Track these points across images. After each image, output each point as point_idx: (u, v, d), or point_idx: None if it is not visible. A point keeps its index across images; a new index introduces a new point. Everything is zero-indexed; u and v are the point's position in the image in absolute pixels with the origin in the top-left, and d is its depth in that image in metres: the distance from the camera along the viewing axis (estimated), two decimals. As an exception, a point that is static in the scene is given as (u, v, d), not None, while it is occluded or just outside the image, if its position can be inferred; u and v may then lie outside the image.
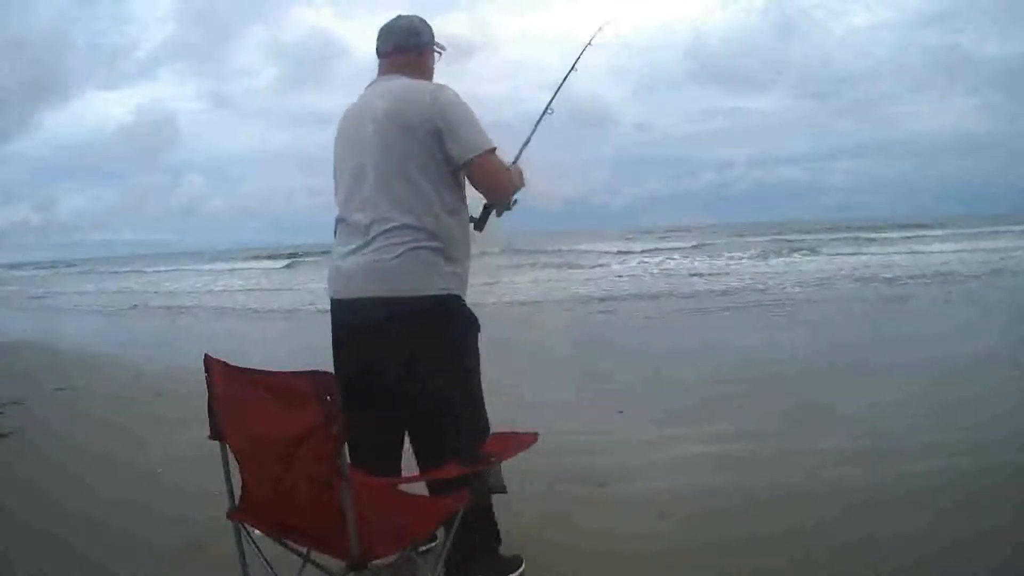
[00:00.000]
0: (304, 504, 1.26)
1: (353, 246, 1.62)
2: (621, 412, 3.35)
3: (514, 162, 1.84)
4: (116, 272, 25.99)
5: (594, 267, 15.38)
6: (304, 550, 1.43)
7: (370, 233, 1.59)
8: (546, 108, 1.98)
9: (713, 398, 3.53)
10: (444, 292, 1.59)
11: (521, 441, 1.47)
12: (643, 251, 20.62)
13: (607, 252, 19.60)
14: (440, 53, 1.81)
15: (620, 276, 13.09)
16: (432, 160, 1.60)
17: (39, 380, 4.67)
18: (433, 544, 1.70)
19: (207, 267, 24.65)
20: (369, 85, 1.76)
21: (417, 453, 1.72)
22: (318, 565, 1.41)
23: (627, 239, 26.18)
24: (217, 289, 15.36)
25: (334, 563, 1.34)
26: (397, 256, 1.56)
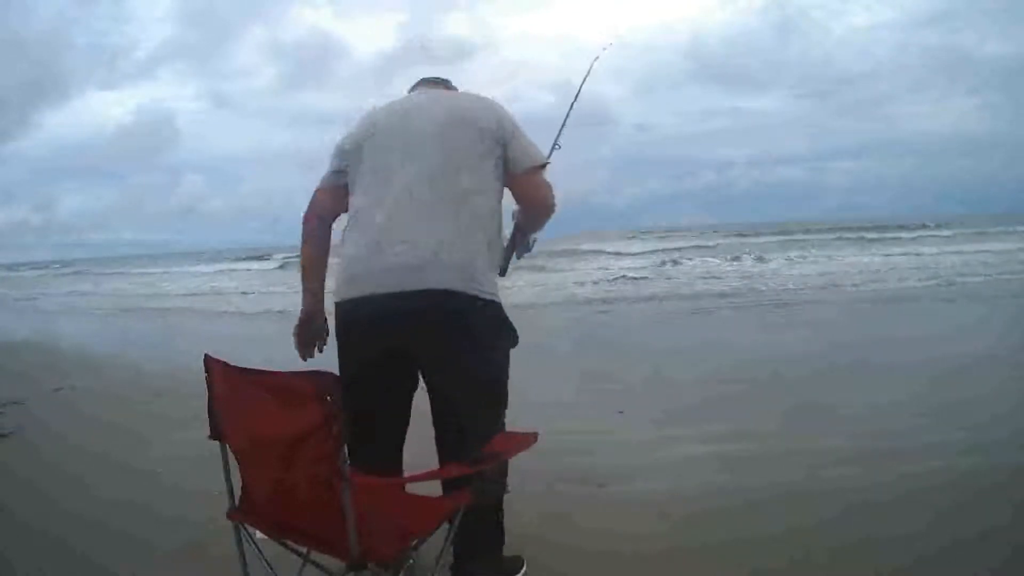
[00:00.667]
0: (304, 504, 1.26)
1: (399, 242, 1.53)
2: (621, 412, 3.35)
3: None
4: (104, 273, 25.54)
5: (594, 267, 15.37)
6: (304, 550, 1.43)
7: (422, 230, 1.53)
8: (554, 144, 1.97)
9: (713, 398, 3.53)
10: (491, 296, 1.57)
11: (521, 441, 1.47)
12: (643, 251, 20.62)
13: (607, 252, 19.59)
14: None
15: (620, 276, 13.09)
16: (492, 161, 1.60)
17: (38, 380, 4.67)
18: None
19: (197, 268, 24.23)
20: (409, 92, 1.76)
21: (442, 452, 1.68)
22: (318, 565, 1.41)
23: (627, 239, 26.15)
24: (202, 291, 15.15)
25: (334, 563, 1.34)
26: (452, 253, 1.52)
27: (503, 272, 1.73)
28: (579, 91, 2.06)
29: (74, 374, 4.87)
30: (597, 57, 2.12)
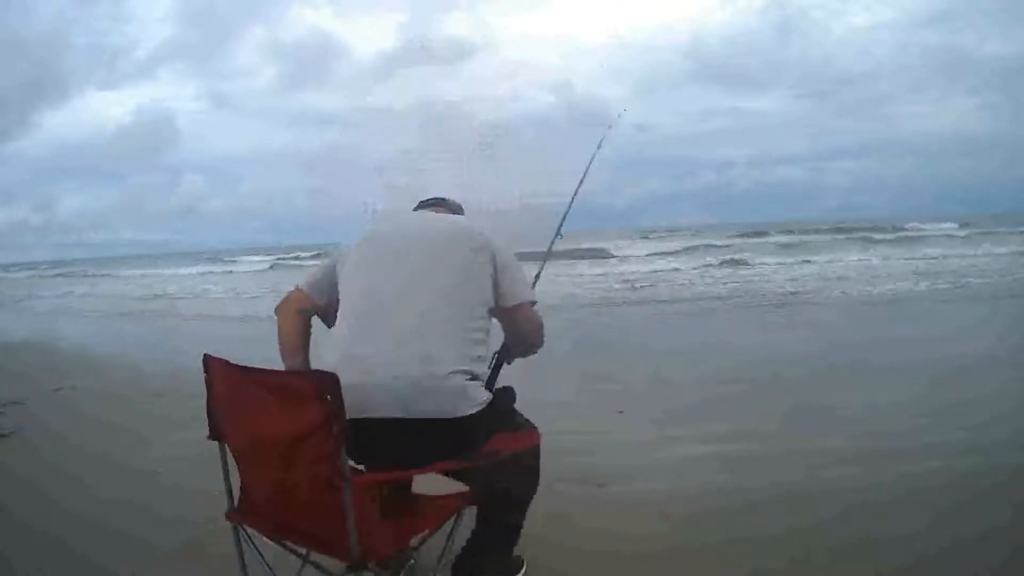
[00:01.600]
0: (304, 504, 1.26)
1: (385, 363, 1.44)
2: (621, 412, 3.35)
3: (533, 284, 1.81)
4: (91, 275, 25.46)
5: (594, 267, 15.36)
6: (303, 551, 1.43)
7: (409, 352, 1.43)
8: (557, 232, 2.09)
9: (713, 398, 3.53)
10: (480, 408, 1.48)
11: (522, 439, 1.47)
12: (643, 251, 20.63)
13: (607, 252, 19.60)
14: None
15: (620, 276, 13.09)
16: (483, 289, 1.55)
17: (38, 380, 4.67)
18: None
19: (187, 271, 24.02)
20: (415, 210, 1.79)
21: None
22: (317, 566, 1.41)
23: (627, 239, 26.16)
24: (187, 293, 14.99)
25: (333, 564, 1.34)
26: (437, 379, 1.43)
27: (489, 387, 1.61)
28: (584, 175, 2.14)
29: (74, 374, 4.88)
30: (604, 135, 2.21)
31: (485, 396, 1.50)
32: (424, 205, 1.80)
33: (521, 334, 1.67)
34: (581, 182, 2.12)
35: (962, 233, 21.71)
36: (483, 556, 1.58)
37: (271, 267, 23.06)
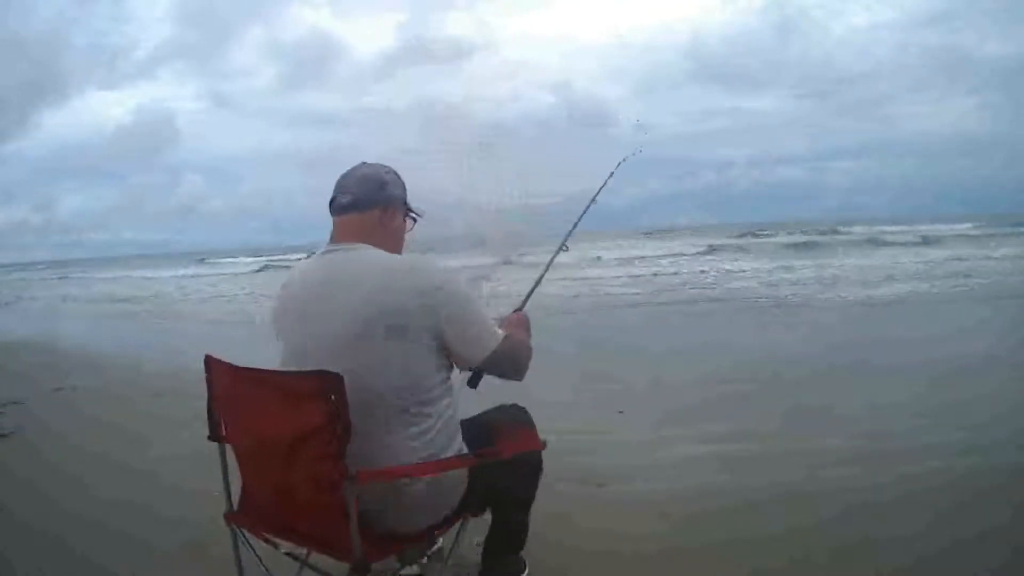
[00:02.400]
0: (306, 505, 1.26)
1: None
2: (621, 412, 3.35)
3: (521, 308, 1.73)
4: (66, 278, 25.41)
5: (594, 267, 15.35)
6: (302, 553, 1.43)
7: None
8: (561, 245, 2.00)
9: (713, 398, 3.53)
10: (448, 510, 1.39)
11: (523, 444, 1.47)
12: (643, 251, 20.62)
13: (607, 252, 19.58)
14: (415, 220, 1.50)
15: (620, 277, 13.08)
16: (428, 364, 1.30)
17: (38, 380, 4.66)
18: (438, 547, 1.69)
19: (169, 273, 23.84)
20: (323, 253, 1.38)
21: None
22: (316, 569, 1.41)
23: (627, 239, 26.17)
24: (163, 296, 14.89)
25: (331, 566, 1.34)
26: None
27: (474, 384, 1.51)
28: (602, 186, 2.07)
29: (74, 374, 4.87)
30: (624, 158, 2.14)
31: (449, 500, 1.36)
32: (335, 210, 1.40)
33: (504, 373, 1.44)
34: (593, 200, 2.04)
35: (963, 232, 21.69)
36: (491, 557, 1.59)
37: (261, 269, 22.83)
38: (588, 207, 2.05)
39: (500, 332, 1.39)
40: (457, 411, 1.39)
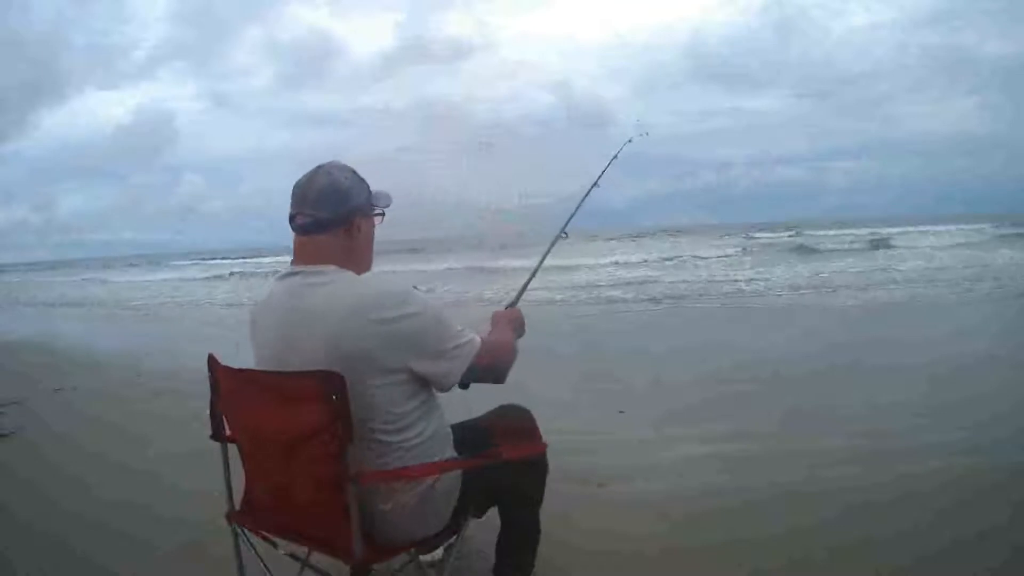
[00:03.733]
0: (307, 505, 1.26)
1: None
2: (621, 412, 3.35)
3: (515, 303, 1.69)
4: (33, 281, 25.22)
5: (594, 267, 15.35)
6: (303, 553, 1.43)
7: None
8: (561, 231, 1.97)
9: (713, 398, 3.53)
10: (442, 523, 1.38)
11: (524, 449, 1.47)
12: (643, 251, 20.62)
13: (607, 252, 19.58)
14: (383, 215, 1.40)
15: (620, 277, 13.08)
16: (396, 395, 1.25)
17: (38, 380, 4.67)
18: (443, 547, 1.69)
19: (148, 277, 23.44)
20: (287, 276, 1.31)
21: None
22: (316, 569, 1.41)
23: (627, 239, 26.18)
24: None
25: (332, 567, 1.34)
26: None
27: (465, 385, 1.42)
28: (601, 173, 2.06)
29: (74, 374, 4.88)
30: (624, 145, 2.12)
31: (441, 509, 1.35)
32: (295, 230, 1.31)
33: (488, 380, 1.40)
34: (587, 194, 2.03)
35: (962, 232, 21.67)
36: (501, 557, 1.59)
37: (231, 274, 21.29)
38: (589, 191, 2.03)
39: (476, 341, 1.32)
40: (442, 424, 1.36)
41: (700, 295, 9.16)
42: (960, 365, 4.03)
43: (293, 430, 1.20)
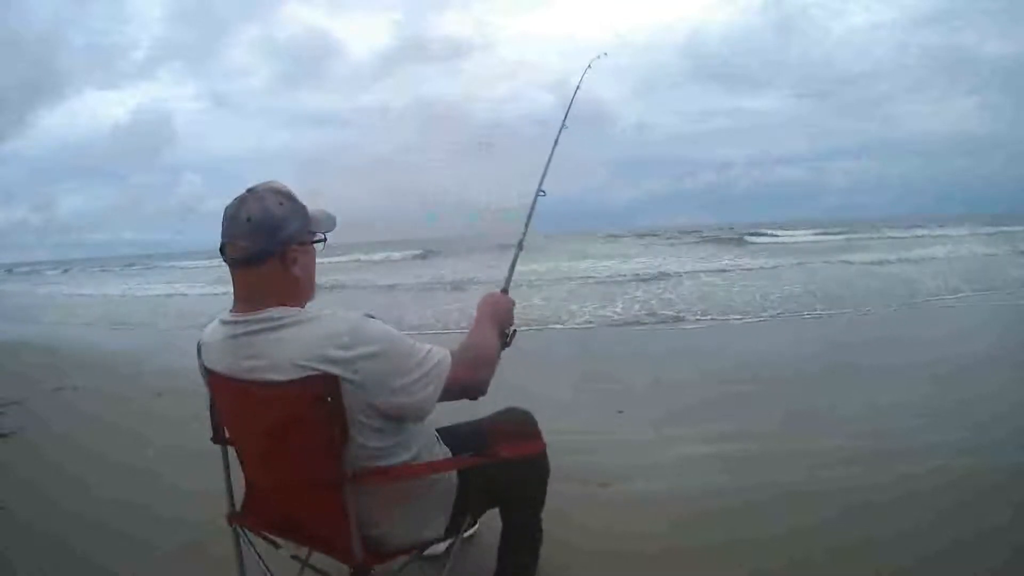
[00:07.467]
0: (306, 506, 1.26)
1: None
2: (621, 412, 3.35)
3: (506, 288, 1.63)
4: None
5: (594, 267, 15.36)
6: (303, 555, 1.43)
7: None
8: (538, 190, 1.86)
9: (713, 398, 3.53)
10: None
11: (524, 448, 1.47)
12: (643, 251, 20.64)
13: (607, 252, 19.61)
14: (324, 240, 1.29)
15: (620, 276, 13.08)
16: (372, 435, 1.20)
17: (38, 380, 4.67)
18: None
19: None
20: (227, 323, 1.23)
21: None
22: (316, 569, 1.41)
23: (627, 239, 26.20)
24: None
25: (333, 568, 1.34)
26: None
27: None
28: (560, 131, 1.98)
29: (74, 374, 4.88)
30: (588, 66, 2.08)
31: (434, 515, 1.35)
32: (228, 263, 1.21)
33: (469, 393, 1.32)
34: (563, 125, 1.95)
35: (964, 232, 21.67)
36: (503, 558, 1.59)
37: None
38: (558, 137, 1.94)
39: (446, 360, 1.23)
40: (428, 437, 1.35)
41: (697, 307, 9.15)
42: (960, 365, 4.03)
43: (290, 432, 1.20)
